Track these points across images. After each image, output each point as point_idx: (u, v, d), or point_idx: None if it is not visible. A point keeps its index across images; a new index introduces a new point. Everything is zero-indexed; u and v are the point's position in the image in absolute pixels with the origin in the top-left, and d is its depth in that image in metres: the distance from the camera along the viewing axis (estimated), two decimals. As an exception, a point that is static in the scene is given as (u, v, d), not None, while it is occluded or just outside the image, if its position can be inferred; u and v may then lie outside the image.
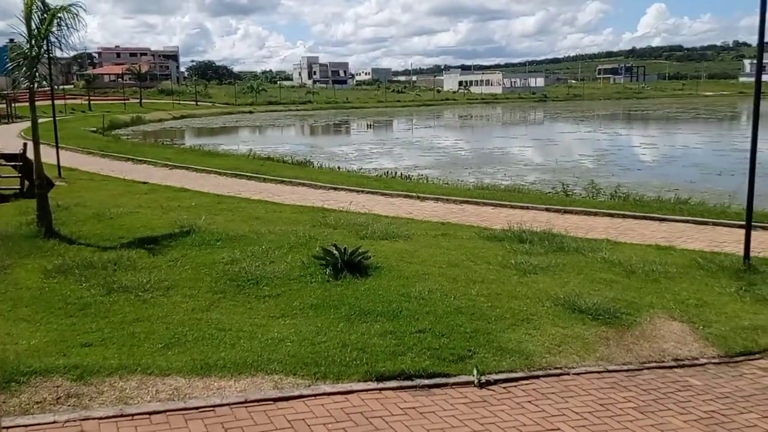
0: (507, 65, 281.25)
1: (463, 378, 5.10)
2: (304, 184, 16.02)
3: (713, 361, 5.79)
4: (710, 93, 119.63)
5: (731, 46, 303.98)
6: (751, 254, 8.38)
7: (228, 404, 4.55)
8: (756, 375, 5.47)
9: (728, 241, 10.02)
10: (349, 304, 6.57)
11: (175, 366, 5.16)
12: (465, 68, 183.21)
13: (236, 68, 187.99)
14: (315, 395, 4.71)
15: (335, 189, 15.34)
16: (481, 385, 5.01)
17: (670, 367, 5.61)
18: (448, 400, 4.75)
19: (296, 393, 4.72)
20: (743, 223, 9.96)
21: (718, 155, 28.39)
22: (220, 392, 4.75)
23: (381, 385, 4.92)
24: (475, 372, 5.11)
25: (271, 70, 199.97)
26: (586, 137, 40.06)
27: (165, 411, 4.43)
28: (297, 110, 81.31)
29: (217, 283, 7.35)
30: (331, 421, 4.37)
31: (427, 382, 5.00)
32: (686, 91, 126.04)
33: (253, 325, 6.10)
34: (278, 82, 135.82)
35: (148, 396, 4.67)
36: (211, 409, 4.49)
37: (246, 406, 4.54)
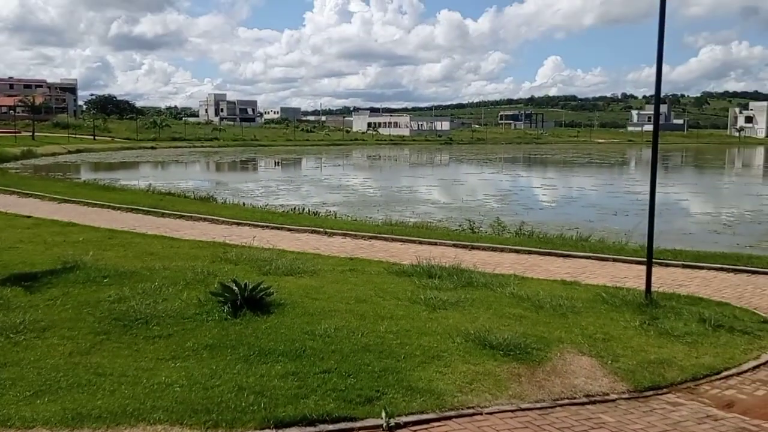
0: (414, 109, 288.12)
1: (371, 421, 4.71)
2: (205, 219, 15.32)
3: (623, 396, 5.69)
4: (602, 140, 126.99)
5: (620, 97, 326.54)
6: (651, 289, 8.53)
7: (100, 461, 3.95)
8: (666, 410, 5.41)
9: (628, 276, 10.24)
10: (248, 343, 6.07)
11: (42, 417, 4.50)
12: (374, 110, 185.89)
13: (139, 103, 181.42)
14: (204, 447, 4.18)
15: (238, 224, 14.74)
16: (390, 429, 4.65)
17: (582, 404, 5.46)
18: (354, 447, 4.35)
19: (182, 445, 4.18)
20: (641, 259, 10.26)
21: (612, 197, 29.81)
22: (93, 447, 4.13)
23: (280, 432, 4.45)
24: (383, 414, 4.75)
25: (176, 106, 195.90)
26: (489, 178, 41.18)
27: (22, 472, 3.77)
28: (203, 147, 79.33)
29: (100, 323, 6.66)
30: (222, 476, 3.86)
31: (331, 427, 4.58)
32: (581, 138, 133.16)
33: (138, 368, 5.48)
34: (183, 118, 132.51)
35: (3, 455, 3.99)
36: (79, 467, 3.87)
37: (122, 463, 3.95)
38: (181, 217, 15.70)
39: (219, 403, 4.79)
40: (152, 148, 72.76)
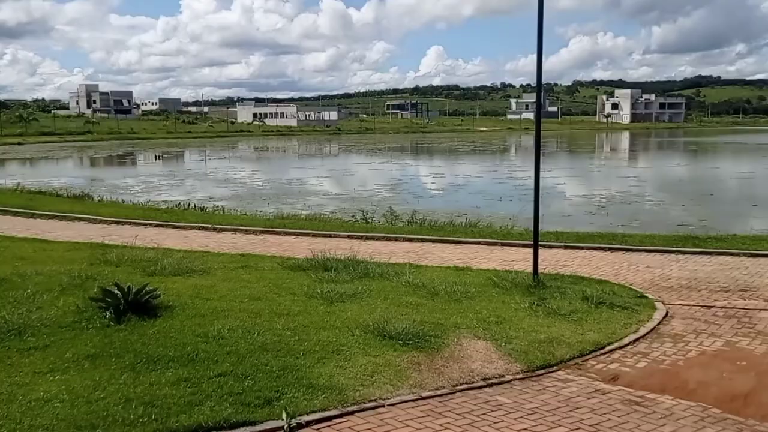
0: (301, 99, 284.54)
1: (272, 424, 4.55)
2: (81, 219, 14.41)
3: (518, 377, 5.86)
4: (484, 128, 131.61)
5: (499, 86, 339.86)
6: (538, 270, 8.87)
7: (-31, 495, 3.55)
8: (557, 387, 5.62)
9: (516, 259, 10.63)
10: (134, 350, 5.70)
11: None
12: (259, 101, 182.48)
13: (3, 96, 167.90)
14: (90, 467, 3.87)
15: (118, 223, 13.97)
16: (292, 430, 4.51)
17: (480, 387, 5.57)
18: (255, 452, 4.18)
19: (65, 468, 3.84)
20: (527, 242, 10.68)
21: (496, 183, 30.96)
22: (-41, 480, 3.71)
23: (175, 444, 4.20)
24: (284, 415, 4.60)
25: (43, 99, 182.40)
26: (379, 168, 41.57)
27: None
28: (75, 141, 74.64)
29: (-35, 338, 6.02)
30: (112, 497, 3.58)
31: (229, 433, 4.38)
32: (464, 126, 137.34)
33: (12, 384, 5.00)
34: (53, 111, 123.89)
35: None
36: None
37: (-5, 494, 3.57)
38: (54, 217, 14.70)
39: (105, 417, 4.45)
40: (19, 143, 67.69)
